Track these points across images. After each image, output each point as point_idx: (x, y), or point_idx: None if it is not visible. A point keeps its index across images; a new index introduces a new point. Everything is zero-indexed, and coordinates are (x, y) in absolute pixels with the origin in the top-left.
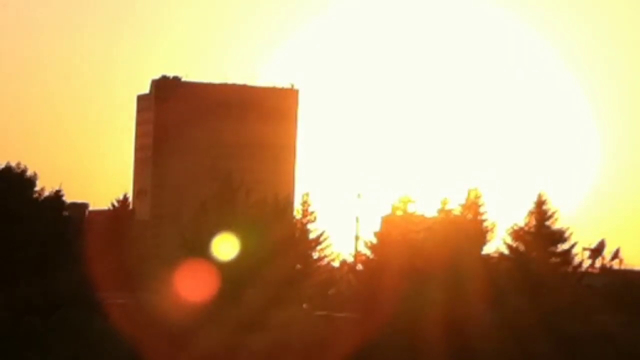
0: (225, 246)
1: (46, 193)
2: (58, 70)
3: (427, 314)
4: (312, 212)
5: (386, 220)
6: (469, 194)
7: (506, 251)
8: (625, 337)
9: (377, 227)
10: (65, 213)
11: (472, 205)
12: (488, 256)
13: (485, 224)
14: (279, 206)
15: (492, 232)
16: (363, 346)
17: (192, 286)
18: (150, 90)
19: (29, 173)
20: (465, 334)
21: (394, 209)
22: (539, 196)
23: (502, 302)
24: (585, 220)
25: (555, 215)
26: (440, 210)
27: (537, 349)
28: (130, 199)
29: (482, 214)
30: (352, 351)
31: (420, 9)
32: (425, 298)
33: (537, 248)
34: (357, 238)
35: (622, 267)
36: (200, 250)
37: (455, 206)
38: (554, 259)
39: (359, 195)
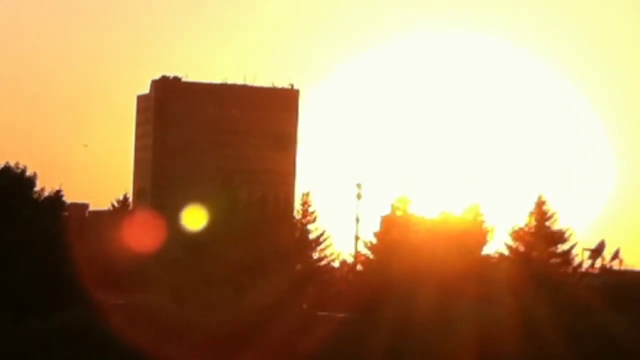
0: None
1: (46, 193)
2: (58, 70)
3: (428, 314)
4: (312, 213)
5: (386, 221)
6: (469, 210)
7: (506, 252)
8: (625, 337)
9: (377, 227)
10: (65, 213)
11: (473, 208)
12: (488, 257)
13: (485, 226)
14: (279, 205)
15: (492, 232)
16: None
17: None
18: (150, 90)
19: (29, 173)
20: (465, 333)
21: (394, 209)
22: (539, 197)
23: (502, 301)
24: (586, 221)
25: (555, 216)
26: (441, 212)
27: (537, 348)
28: (130, 199)
29: (481, 215)
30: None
31: (423, 10)
32: (425, 298)
33: (538, 248)
34: (357, 238)
35: (622, 267)
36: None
37: (455, 210)
38: (554, 259)
39: (358, 196)
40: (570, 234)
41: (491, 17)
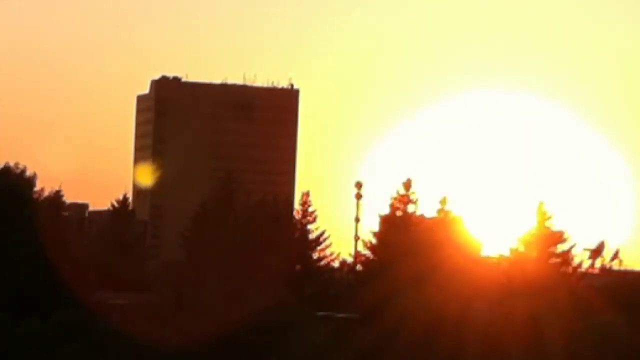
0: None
1: (46, 193)
2: (58, 70)
3: (427, 314)
4: (312, 212)
5: (386, 221)
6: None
7: (506, 252)
8: (624, 337)
9: (376, 227)
10: (65, 213)
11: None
12: (488, 257)
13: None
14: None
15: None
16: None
17: None
18: (150, 90)
19: (29, 173)
20: (463, 333)
21: (393, 208)
22: (539, 198)
23: (502, 301)
24: (586, 221)
25: (555, 217)
26: (440, 211)
27: (536, 348)
28: (130, 199)
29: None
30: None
31: (422, 8)
32: (424, 298)
33: (538, 248)
34: (357, 238)
35: (622, 267)
36: None
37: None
38: (554, 260)
39: (358, 196)
40: (570, 235)
41: (495, 24)
